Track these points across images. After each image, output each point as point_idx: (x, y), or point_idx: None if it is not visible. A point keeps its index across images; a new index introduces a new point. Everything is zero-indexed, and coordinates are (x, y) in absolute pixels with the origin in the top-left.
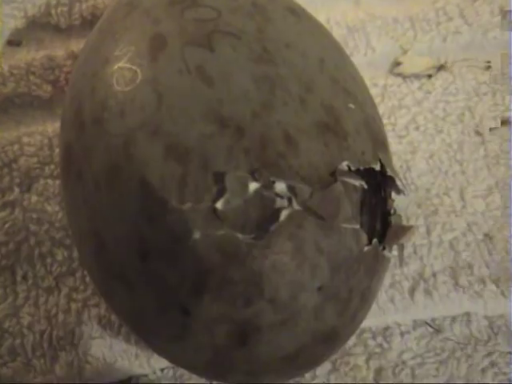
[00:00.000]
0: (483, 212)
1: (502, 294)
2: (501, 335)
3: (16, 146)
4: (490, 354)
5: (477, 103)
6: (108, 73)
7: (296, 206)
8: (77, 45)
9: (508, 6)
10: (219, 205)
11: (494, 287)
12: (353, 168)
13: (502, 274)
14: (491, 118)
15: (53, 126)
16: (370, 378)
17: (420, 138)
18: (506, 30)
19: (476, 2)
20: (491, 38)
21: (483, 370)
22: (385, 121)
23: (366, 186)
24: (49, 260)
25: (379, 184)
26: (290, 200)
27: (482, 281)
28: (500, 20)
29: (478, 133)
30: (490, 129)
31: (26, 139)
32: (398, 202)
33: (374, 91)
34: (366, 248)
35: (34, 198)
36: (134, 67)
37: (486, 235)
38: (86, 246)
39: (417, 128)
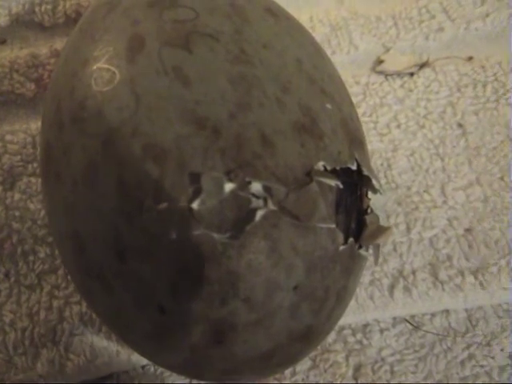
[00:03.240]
0: (463, 204)
1: (481, 285)
2: (479, 327)
3: None
4: (468, 347)
5: (459, 98)
6: (87, 73)
7: (271, 206)
8: (60, 43)
9: None
10: (195, 205)
11: (472, 279)
12: (329, 168)
13: (480, 266)
14: (472, 111)
15: (36, 124)
16: (349, 375)
17: (401, 136)
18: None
19: None
20: (473, 30)
21: (462, 363)
22: (366, 119)
23: (341, 186)
24: (31, 257)
25: (356, 183)
26: (265, 200)
27: (461, 273)
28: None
29: (459, 125)
30: None
31: (9, 137)
32: (375, 200)
33: (356, 89)
34: (341, 247)
35: (17, 196)
36: (112, 68)
37: (466, 230)
38: (65, 246)
39: (398, 126)
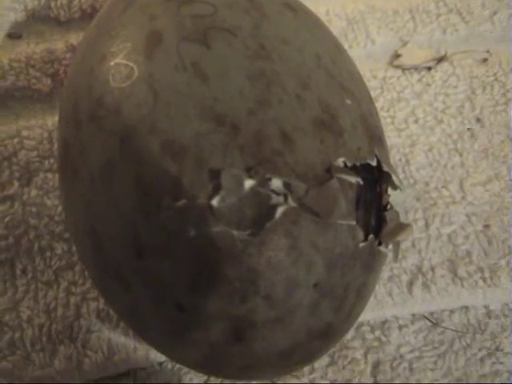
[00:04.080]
0: (482, 199)
1: (500, 282)
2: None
3: (16, 140)
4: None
5: (477, 94)
6: (104, 69)
7: (291, 203)
8: (76, 38)
9: None
10: (214, 202)
11: (492, 275)
12: (349, 164)
13: (500, 263)
14: (491, 105)
15: (52, 120)
16: (368, 372)
17: (419, 131)
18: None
19: None
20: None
21: (481, 360)
22: (384, 114)
23: (361, 183)
24: (48, 254)
25: (376, 179)
26: (285, 197)
27: (481, 270)
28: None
29: (478, 120)
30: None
31: (25, 133)
32: (395, 197)
33: (373, 83)
34: (361, 244)
35: (34, 192)
36: (130, 64)
37: (485, 226)
38: (82, 243)
39: (416, 121)
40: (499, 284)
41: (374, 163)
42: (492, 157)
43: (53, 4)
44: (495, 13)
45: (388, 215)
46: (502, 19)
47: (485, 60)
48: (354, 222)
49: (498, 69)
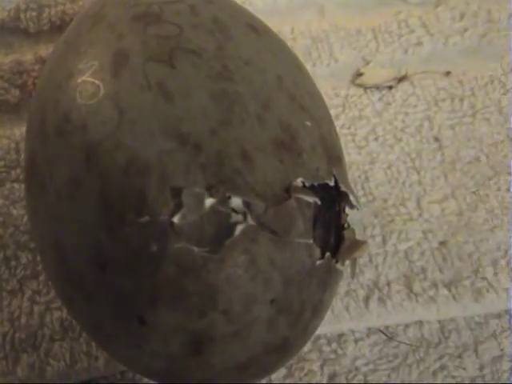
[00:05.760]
0: (438, 217)
1: (454, 298)
2: (451, 339)
3: None
4: (440, 358)
5: (436, 112)
6: (72, 86)
7: (251, 221)
8: (45, 50)
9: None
10: (176, 219)
11: (446, 291)
12: (307, 184)
13: (454, 279)
14: (449, 126)
15: (20, 131)
16: None
17: (379, 148)
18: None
19: (438, 8)
20: (451, 45)
21: (434, 373)
22: (345, 131)
23: (319, 202)
24: (13, 263)
25: (333, 199)
26: (244, 215)
27: (435, 285)
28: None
29: (436, 139)
30: None
31: None
32: (352, 216)
33: (335, 101)
34: (318, 262)
35: (0, 202)
36: (96, 82)
37: (441, 243)
38: (46, 254)
39: (376, 139)
40: (458, 299)
41: (331, 183)
42: (460, 172)
43: (22, 16)
44: (465, 29)
45: (346, 233)
46: (472, 34)
47: (448, 73)
48: (311, 241)
49: (475, 84)
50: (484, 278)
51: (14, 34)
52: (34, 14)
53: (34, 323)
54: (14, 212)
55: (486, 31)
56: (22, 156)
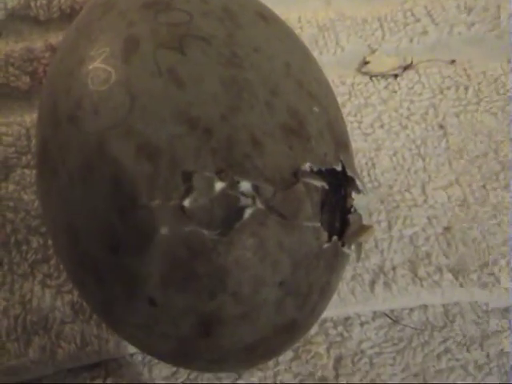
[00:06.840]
0: (443, 203)
1: (459, 283)
2: (456, 322)
3: None
4: (445, 341)
5: (441, 100)
6: (83, 72)
7: (259, 205)
8: (55, 37)
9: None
10: (186, 203)
11: (450, 276)
12: (315, 169)
13: (458, 264)
14: (454, 113)
15: (30, 117)
16: (330, 366)
17: (384, 135)
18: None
19: None
20: (456, 34)
21: (438, 356)
22: (351, 118)
23: (326, 187)
24: (24, 247)
25: (340, 184)
26: (253, 199)
27: (440, 270)
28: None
29: (440, 126)
30: None
31: (3, 129)
32: (358, 200)
33: (341, 89)
34: (325, 245)
35: (11, 187)
36: (108, 68)
37: (445, 228)
38: (59, 238)
39: (382, 126)
40: (464, 284)
41: (339, 168)
42: (465, 160)
43: (32, 4)
44: (473, 23)
45: (351, 218)
46: (479, 28)
47: (452, 61)
48: (318, 224)
49: (467, 66)
50: (491, 274)
51: (24, 21)
52: (44, 1)
53: (45, 306)
54: (25, 197)
55: (494, 27)
56: (33, 142)
